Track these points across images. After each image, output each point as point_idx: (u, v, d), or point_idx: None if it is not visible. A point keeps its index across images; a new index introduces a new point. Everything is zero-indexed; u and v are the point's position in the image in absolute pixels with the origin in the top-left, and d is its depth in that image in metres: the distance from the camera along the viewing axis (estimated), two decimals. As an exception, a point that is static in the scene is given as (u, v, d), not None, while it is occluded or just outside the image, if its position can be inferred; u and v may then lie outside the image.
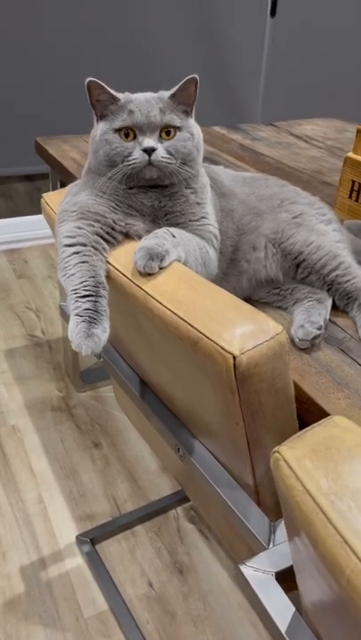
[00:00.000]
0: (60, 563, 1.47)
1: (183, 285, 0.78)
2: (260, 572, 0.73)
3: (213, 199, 0.98)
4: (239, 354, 0.67)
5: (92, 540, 1.51)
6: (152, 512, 1.60)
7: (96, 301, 0.79)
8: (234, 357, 0.67)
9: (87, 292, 0.80)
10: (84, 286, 0.80)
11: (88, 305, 0.79)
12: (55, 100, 2.54)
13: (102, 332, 0.77)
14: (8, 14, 2.34)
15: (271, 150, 1.69)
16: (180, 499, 1.62)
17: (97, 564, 1.46)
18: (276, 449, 0.53)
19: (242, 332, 0.69)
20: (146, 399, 1.00)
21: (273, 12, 2.67)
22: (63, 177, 1.61)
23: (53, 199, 1.04)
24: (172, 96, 0.90)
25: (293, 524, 0.53)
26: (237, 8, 2.57)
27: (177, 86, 0.90)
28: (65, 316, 1.24)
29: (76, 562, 1.47)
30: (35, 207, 2.97)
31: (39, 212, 1.07)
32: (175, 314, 0.74)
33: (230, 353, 0.67)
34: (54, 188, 1.76)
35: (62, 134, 1.81)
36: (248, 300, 0.99)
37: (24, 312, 2.37)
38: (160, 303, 0.76)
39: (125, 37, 2.41)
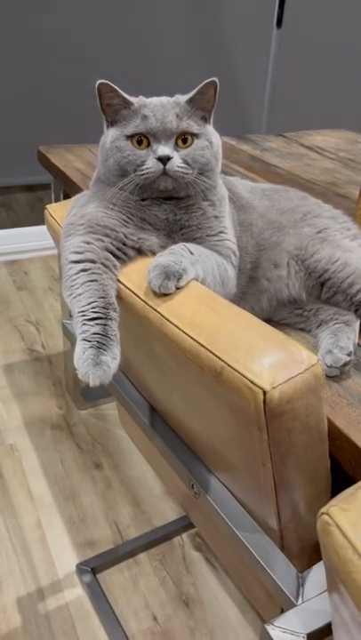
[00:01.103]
0: (59, 594, 1.37)
1: (203, 308, 0.69)
2: (289, 633, 0.63)
3: (231, 212, 0.90)
4: (270, 388, 0.58)
5: (93, 569, 1.41)
6: (156, 539, 1.50)
7: (105, 325, 0.71)
8: (264, 392, 0.58)
9: (96, 315, 0.71)
10: (93, 308, 0.72)
11: (97, 329, 0.70)
12: (56, 109, 2.47)
13: (112, 360, 0.69)
14: (10, 21, 2.27)
15: (282, 161, 1.61)
16: (185, 524, 1.53)
17: (98, 596, 1.36)
18: (325, 510, 0.44)
19: (271, 362, 0.60)
20: (156, 428, 0.91)
21: (279, 23, 2.61)
22: (67, 187, 1.53)
23: (58, 211, 0.95)
24: (190, 101, 0.82)
25: (344, 598, 0.44)
26: (243, 19, 2.51)
27: (195, 90, 0.82)
28: (68, 334, 1.15)
29: (77, 593, 1.37)
30: (36, 218, 2.90)
31: (40, 223, 0.98)
32: (195, 340, 0.65)
33: (260, 387, 0.58)
34: (57, 199, 1.67)
35: (64, 144, 1.73)
36: (268, 321, 0.91)
37: (24, 325, 2.28)
38: (177, 328, 0.68)
39: (130, 46, 2.34)
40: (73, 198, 0.92)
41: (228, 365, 0.61)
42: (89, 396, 1.88)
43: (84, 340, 0.69)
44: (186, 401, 0.78)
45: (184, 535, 1.52)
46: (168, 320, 0.69)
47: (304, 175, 1.50)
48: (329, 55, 2.76)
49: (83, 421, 1.85)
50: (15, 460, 1.70)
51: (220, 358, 0.62)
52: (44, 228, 0.98)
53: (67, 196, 1.64)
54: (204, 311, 0.69)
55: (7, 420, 1.84)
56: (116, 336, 0.71)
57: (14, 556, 1.44)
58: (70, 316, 0.77)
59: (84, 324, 0.70)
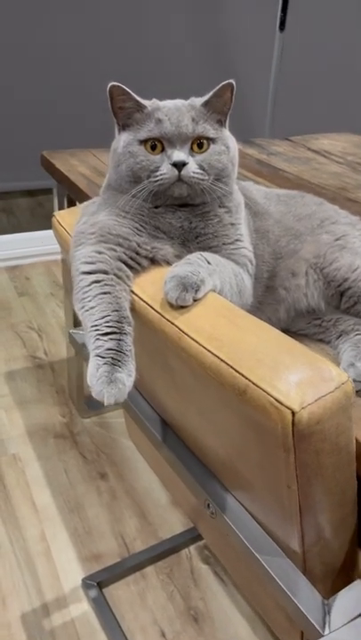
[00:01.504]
0: (64, 609, 1.33)
1: (223, 320, 0.66)
2: (317, 666, 0.60)
3: (247, 219, 0.86)
4: (299, 409, 0.54)
5: (99, 583, 1.37)
6: (163, 552, 1.46)
7: (120, 340, 0.67)
8: (293, 413, 0.54)
9: (110, 329, 0.67)
10: (107, 322, 0.68)
11: (111, 344, 0.66)
12: (56, 113, 2.43)
13: (127, 377, 0.65)
14: (11, 26, 2.23)
15: (290, 165, 1.58)
16: (192, 537, 1.49)
17: (104, 611, 1.32)
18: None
19: (299, 379, 0.57)
20: (169, 443, 0.87)
21: (282, 27, 2.58)
22: (71, 193, 1.49)
23: (66, 218, 0.92)
24: (206, 104, 0.78)
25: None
26: (246, 22, 2.48)
27: (211, 92, 0.78)
28: (74, 343, 1.11)
29: (82, 608, 1.33)
30: (37, 223, 2.86)
31: (41, 228, 0.95)
32: (216, 355, 0.61)
33: (288, 407, 0.55)
34: (60, 204, 1.64)
35: (66, 148, 1.69)
36: (285, 331, 0.87)
37: (26, 332, 2.24)
38: (196, 342, 0.64)
39: (134, 49, 2.31)
40: (82, 205, 0.89)
41: (253, 383, 0.57)
42: (93, 404, 1.84)
43: (98, 356, 0.65)
44: (203, 417, 0.74)
45: (192, 547, 1.48)
46: (186, 334, 0.65)
47: (313, 180, 1.47)
48: (332, 58, 2.73)
49: (87, 430, 1.81)
50: (18, 470, 1.66)
51: (243, 376, 0.58)
52: (45, 232, 0.95)
53: (71, 202, 1.60)
54: (223, 324, 0.65)
55: (9, 428, 1.79)
56: (131, 351, 0.67)
57: (18, 570, 1.40)
58: (75, 325, 0.73)
59: (98, 339, 0.67)
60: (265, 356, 0.59)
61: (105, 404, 0.63)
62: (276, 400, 0.55)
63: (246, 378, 0.58)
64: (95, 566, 1.41)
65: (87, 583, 1.36)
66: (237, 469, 0.74)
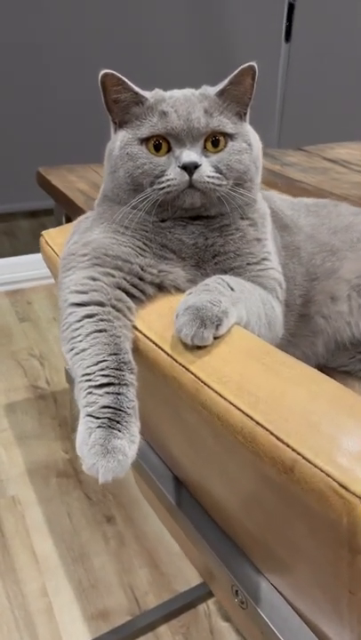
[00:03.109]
0: None
1: (256, 366, 0.49)
2: None
3: (274, 234, 0.70)
4: (375, 498, 0.37)
5: (106, 647, 1.19)
6: (178, 608, 1.27)
7: (119, 394, 0.50)
8: (366, 504, 0.37)
9: (106, 380, 0.50)
10: (102, 370, 0.51)
11: (107, 400, 0.49)
12: (59, 131, 2.30)
13: (129, 444, 0.48)
14: (8, 39, 2.10)
15: (306, 176, 1.42)
16: (210, 590, 1.30)
17: None
18: None
19: (369, 452, 0.40)
20: (185, 509, 0.69)
21: (288, 37, 2.44)
22: (69, 211, 1.33)
23: (56, 238, 0.75)
24: (222, 92, 0.62)
25: None
26: (252, 33, 2.34)
27: (228, 79, 0.62)
28: (72, 382, 0.94)
29: None
30: (39, 245, 2.71)
31: (43, 251, 0.78)
32: (249, 416, 0.44)
33: (357, 495, 0.38)
34: (58, 224, 1.48)
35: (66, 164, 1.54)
36: (323, 368, 0.70)
37: (27, 360, 2.07)
38: (221, 396, 0.47)
39: (136, 62, 2.17)
40: (74, 222, 0.72)
41: (305, 459, 0.40)
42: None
43: (91, 416, 0.48)
44: (228, 486, 0.57)
45: (210, 602, 1.30)
46: (206, 384, 0.48)
47: (334, 190, 1.30)
48: (339, 68, 2.59)
49: (92, 467, 1.63)
50: (18, 514, 1.48)
51: (290, 447, 0.41)
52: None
53: (70, 222, 1.44)
54: (257, 371, 0.48)
55: (9, 467, 1.62)
56: (133, 409, 0.50)
57: (17, 631, 1.21)
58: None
59: (90, 392, 0.50)
60: (320, 417, 0.42)
61: (100, 481, 0.46)
62: (340, 484, 0.38)
63: (294, 450, 0.41)
64: (102, 626, 1.23)
65: (93, 648, 1.18)
66: (275, 552, 0.57)
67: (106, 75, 0.61)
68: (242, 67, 0.61)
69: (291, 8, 2.43)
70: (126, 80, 0.61)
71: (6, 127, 2.24)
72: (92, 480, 1.48)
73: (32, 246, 2.64)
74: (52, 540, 1.42)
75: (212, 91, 0.63)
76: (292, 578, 0.57)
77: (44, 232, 0.77)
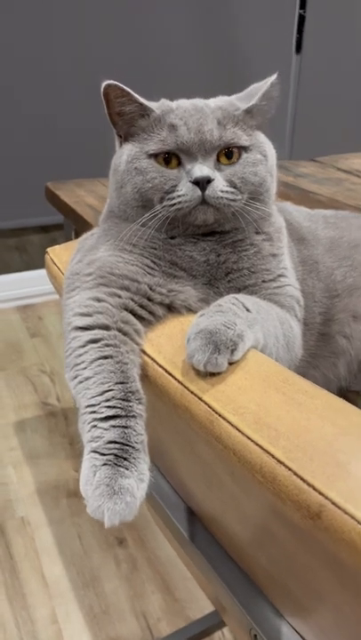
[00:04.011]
0: None
1: (276, 396, 0.44)
2: None
3: (290, 248, 0.65)
4: None
5: None
6: (193, 636, 1.21)
7: (126, 427, 0.46)
8: None
9: (112, 412, 0.46)
10: (107, 400, 0.46)
11: (113, 434, 0.45)
12: (69, 145, 2.28)
13: (138, 483, 0.43)
14: (17, 54, 2.09)
15: (320, 187, 1.37)
16: (226, 617, 1.24)
17: None
18: None
19: None
20: (199, 543, 0.64)
21: (298, 49, 2.42)
22: (78, 226, 1.30)
23: (62, 255, 0.72)
24: (251, 108, 0.58)
25: None
26: (262, 45, 2.32)
27: (260, 93, 0.59)
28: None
29: None
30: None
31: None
32: (269, 453, 0.40)
33: (395, 548, 0.33)
34: (68, 240, 1.44)
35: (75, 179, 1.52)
36: (345, 391, 0.65)
37: (37, 376, 2.04)
38: (238, 429, 0.42)
39: (146, 77, 2.15)
40: (79, 239, 0.68)
41: (333, 503, 0.35)
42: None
43: (95, 452, 0.44)
44: (246, 529, 0.52)
45: (225, 630, 1.24)
46: (221, 416, 0.44)
47: (349, 201, 1.26)
48: (350, 78, 2.55)
49: (103, 486, 1.58)
50: (27, 536, 1.44)
51: (316, 489, 0.36)
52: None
53: (78, 237, 1.41)
54: (276, 401, 0.43)
55: (18, 487, 1.58)
56: (142, 443, 0.46)
57: (25, 660, 1.17)
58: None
59: (95, 426, 0.45)
60: (349, 456, 0.37)
61: (106, 525, 0.42)
62: (375, 535, 0.33)
63: (322, 493, 0.36)
64: (114, 656, 1.18)
65: None
66: (295, 594, 0.52)
67: (109, 86, 0.57)
68: (270, 79, 0.57)
69: (301, 20, 2.41)
70: (131, 91, 0.58)
71: (18, 143, 2.23)
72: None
73: (43, 261, 2.62)
74: (62, 563, 1.37)
75: (238, 104, 0.59)
76: (315, 624, 0.52)
77: (49, 249, 0.73)
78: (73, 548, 1.41)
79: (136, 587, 1.32)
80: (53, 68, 2.17)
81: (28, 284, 2.47)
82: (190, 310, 0.56)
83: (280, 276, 0.59)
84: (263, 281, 0.58)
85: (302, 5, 2.38)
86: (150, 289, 0.55)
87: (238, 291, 0.57)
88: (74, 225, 1.36)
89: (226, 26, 2.29)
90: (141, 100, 0.59)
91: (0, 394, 1.95)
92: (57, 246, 0.74)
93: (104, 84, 0.57)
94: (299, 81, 2.47)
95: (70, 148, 2.28)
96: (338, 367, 0.66)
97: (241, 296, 0.54)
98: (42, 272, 2.70)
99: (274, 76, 0.58)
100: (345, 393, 0.67)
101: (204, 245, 0.58)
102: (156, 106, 0.60)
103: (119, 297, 0.54)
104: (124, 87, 0.58)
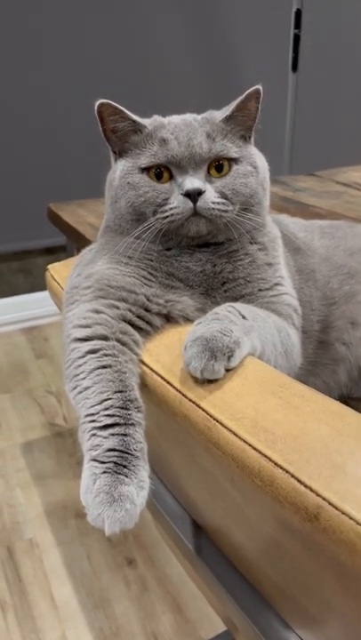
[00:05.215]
0: None
1: (273, 400, 0.44)
2: None
3: (286, 257, 0.66)
4: None
5: None
6: (205, 657, 1.19)
7: (125, 435, 0.46)
8: None
9: (111, 420, 0.46)
10: (106, 409, 0.47)
11: (113, 442, 0.45)
12: (72, 168, 2.31)
13: (138, 490, 0.43)
14: (15, 78, 2.14)
15: (319, 200, 1.39)
16: (238, 636, 1.22)
17: None
18: None
19: None
20: (205, 557, 0.64)
21: (295, 67, 2.46)
22: (80, 245, 1.32)
23: (62, 272, 0.73)
24: (228, 118, 0.59)
25: None
26: (259, 65, 2.36)
27: (234, 104, 0.60)
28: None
29: None
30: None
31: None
32: (266, 456, 0.40)
33: (393, 546, 0.33)
34: (70, 259, 1.46)
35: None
36: (347, 399, 0.65)
37: (44, 397, 2.04)
38: (235, 434, 0.43)
39: (143, 97, 2.19)
40: (79, 255, 0.69)
41: (330, 504, 0.35)
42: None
43: (95, 460, 0.44)
44: (250, 537, 0.52)
45: (238, 650, 1.21)
46: (219, 422, 0.44)
47: (348, 214, 1.27)
48: (347, 96, 2.59)
49: (111, 506, 1.57)
50: (35, 558, 1.43)
51: (313, 491, 0.36)
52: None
53: (81, 255, 1.43)
54: (274, 406, 0.44)
55: (26, 509, 1.57)
56: (141, 451, 0.46)
57: None
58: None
59: (94, 434, 0.46)
60: (345, 457, 0.37)
61: (107, 533, 0.42)
62: (373, 534, 0.33)
63: (319, 495, 0.36)
64: None
65: None
66: (302, 604, 0.51)
67: (102, 104, 0.59)
68: (248, 91, 0.59)
69: (296, 39, 2.46)
70: (123, 109, 0.59)
71: (21, 165, 2.26)
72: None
73: (47, 282, 2.64)
74: (71, 584, 1.36)
75: (218, 115, 0.60)
76: (323, 634, 0.51)
77: (49, 266, 0.74)
78: (82, 569, 1.40)
79: (146, 607, 1.30)
80: (54, 94, 2.21)
81: (33, 306, 2.49)
82: (188, 320, 0.57)
83: (276, 284, 0.60)
84: (260, 290, 0.59)
85: (297, 25, 2.43)
86: (148, 300, 0.56)
87: (235, 300, 0.58)
88: (75, 244, 1.37)
89: (223, 47, 2.33)
90: (134, 117, 0.60)
91: (7, 415, 1.95)
92: (57, 263, 0.76)
93: (97, 102, 0.59)
94: (296, 98, 2.50)
95: (74, 170, 2.31)
96: (338, 374, 0.66)
97: (237, 304, 0.54)
98: (47, 293, 2.70)
99: (252, 89, 0.59)
100: (346, 400, 0.67)
101: (199, 256, 0.59)
102: (148, 122, 0.61)
103: (117, 308, 0.55)
104: (117, 105, 0.59)
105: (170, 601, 1.31)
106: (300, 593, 0.49)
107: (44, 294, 2.74)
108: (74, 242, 1.36)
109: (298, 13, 2.41)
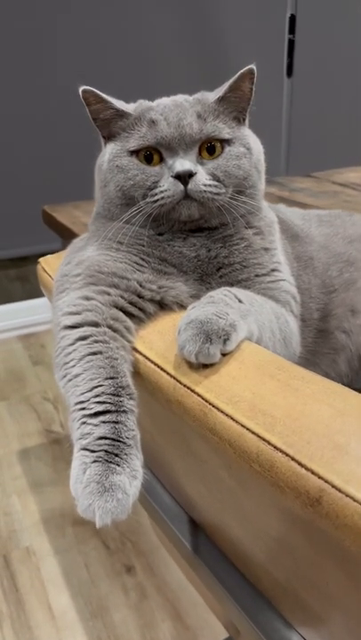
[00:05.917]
0: None
1: (271, 383, 0.42)
2: None
3: (284, 244, 0.64)
4: None
5: None
6: (206, 665, 1.16)
7: (117, 422, 0.44)
8: None
9: (102, 407, 0.44)
10: (97, 396, 0.45)
11: (104, 430, 0.43)
12: (69, 175, 2.30)
13: (130, 480, 0.41)
14: (12, 87, 2.13)
15: (316, 200, 1.37)
16: (240, 644, 1.19)
17: None
18: None
19: None
20: (203, 555, 0.61)
21: (289, 73, 2.46)
22: (74, 246, 1.30)
23: (53, 264, 0.71)
24: (221, 99, 0.58)
25: None
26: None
27: (227, 84, 0.58)
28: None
29: None
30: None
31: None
32: (265, 440, 0.38)
33: None
34: (66, 262, 1.44)
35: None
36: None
37: (40, 403, 2.01)
38: (232, 419, 0.40)
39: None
40: (70, 244, 0.68)
41: (333, 486, 0.33)
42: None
43: (85, 449, 0.42)
44: (249, 530, 0.50)
45: (240, 658, 1.18)
46: (215, 406, 0.42)
47: (346, 211, 1.25)
48: (341, 101, 2.59)
49: (109, 513, 1.54)
50: (32, 567, 1.39)
51: (315, 473, 0.34)
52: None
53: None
54: (272, 388, 0.41)
55: (23, 517, 1.54)
56: (134, 439, 0.44)
57: None
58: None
59: (85, 422, 0.44)
60: (347, 437, 0.35)
61: (98, 525, 0.39)
62: (380, 516, 0.31)
63: (321, 477, 0.34)
64: None
65: None
66: (304, 600, 0.48)
67: (85, 91, 0.57)
68: (241, 71, 0.57)
69: (291, 44, 2.46)
70: (106, 97, 0.58)
71: (16, 172, 2.25)
72: (109, 527, 1.38)
73: (44, 289, 2.62)
74: (68, 593, 1.33)
75: (210, 96, 0.59)
76: (326, 630, 0.48)
77: (41, 259, 0.72)
78: (80, 577, 1.36)
79: (146, 615, 1.26)
80: (47, 91, 2.19)
81: (29, 313, 2.47)
82: (182, 306, 0.55)
83: (273, 270, 0.58)
84: (256, 275, 0.57)
85: (291, 31, 2.43)
86: (140, 285, 0.54)
87: (231, 286, 0.56)
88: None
89: (218, 52, 2.34)
90: (117, 105, 0.58)
91: (3, 422, 1.92)
92: (49, 256, 0.74)
93: (81, 89, 0.57)
94: (291, 103, 2.51)
95: (71, 178, 2.30)
96: (338, 364, 0.64)
97: (234, 288, 0.52)
98: (44, 300, 2.69)
99: (245, 68, 0.58)
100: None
101: (193, 241, 0.57)
102: (132, 108, 0.60)
103: (108, 294, 0.53)
104: (99, 93, 0.58)
105: (169, 608, 1.28)
106: (302, 588, 0.46)
107: (41, 301, 2.73)
108: (68, 242, 1.34)
109: (292, 19, 2.41)
